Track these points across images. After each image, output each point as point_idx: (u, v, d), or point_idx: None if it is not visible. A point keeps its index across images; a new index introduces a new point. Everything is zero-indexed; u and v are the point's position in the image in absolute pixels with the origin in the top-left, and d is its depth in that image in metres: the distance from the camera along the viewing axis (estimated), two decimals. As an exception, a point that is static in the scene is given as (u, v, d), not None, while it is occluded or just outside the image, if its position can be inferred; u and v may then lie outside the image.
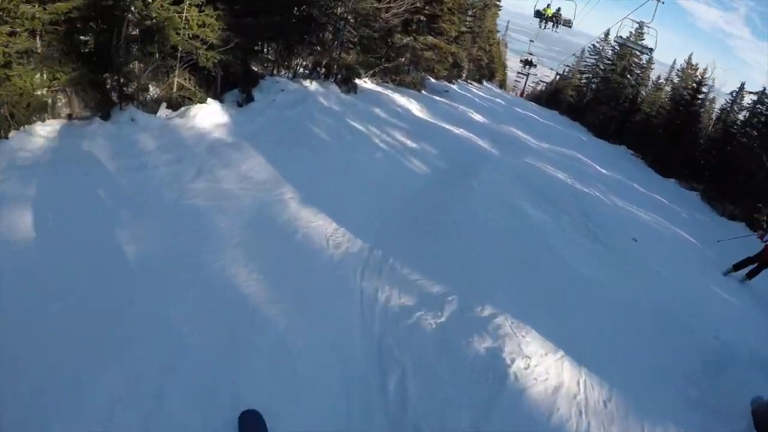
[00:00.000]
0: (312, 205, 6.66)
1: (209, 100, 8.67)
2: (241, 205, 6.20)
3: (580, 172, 15.73)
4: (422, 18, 18.91)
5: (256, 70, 11.10)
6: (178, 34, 7.75)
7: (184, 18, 7.71)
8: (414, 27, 18.96)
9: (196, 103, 8.43)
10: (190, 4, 7.69)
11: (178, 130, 7.68)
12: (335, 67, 13.42)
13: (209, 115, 8.29)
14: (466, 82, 35.80)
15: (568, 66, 55.61)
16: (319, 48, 12.92)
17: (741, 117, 27.28)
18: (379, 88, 16.18)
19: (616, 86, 38.61)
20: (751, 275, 9.85)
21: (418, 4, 17.37)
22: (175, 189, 6.17)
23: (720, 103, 29.87)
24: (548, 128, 27.93)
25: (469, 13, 29.43)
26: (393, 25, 16.97)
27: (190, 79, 8.60)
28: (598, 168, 18.62)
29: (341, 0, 12.98)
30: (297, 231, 6.03)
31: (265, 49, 11.65)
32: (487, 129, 18.34)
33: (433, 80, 24.25)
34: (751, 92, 26.53)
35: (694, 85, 29.39)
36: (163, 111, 8.04)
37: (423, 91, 20.85)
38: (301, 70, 12.97)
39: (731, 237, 12.16)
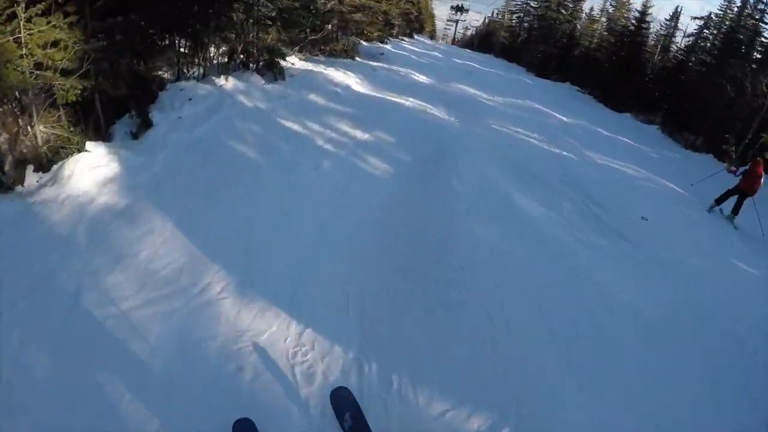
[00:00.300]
0: (255, 296, 4.39)
1: (90, 143, 6.08)
2: (145, 347, 3.71)
3: (546, 128, 14.12)
4: None
5: (159, 74, 8.65)
6: (17, 69, 5.12)
7: (23, 41, 5.14)
8: None
9: (72, 154, 5.85)
10: (27, 18, 5.07)
11: (44, 214, 5.04)
12: (254, 51, 10.91)
13: (90, 170, 5.72)
14: (398, 39, 33.21)
15: (497, 8, 53.77)
16: (232, 33, 10.36)
17: (683, 44, 26.73)
18: (309, 65, 13.69)
19: (552, 23, 37.06)
20: (735, 211, 9.93)
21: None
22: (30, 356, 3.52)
23: (656, 29, 28.45)
24: (493, 76, 26.09)
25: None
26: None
27: (59, 119, 6.05)
28: (559, 116, 17.08)
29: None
30: (244, 364, 3.70)
31: (168, 43, 9.02)
32: (436, 92, 16.11)
33: (365, 43, 21.69)
34: (696, 17, 25.85)
35: (638, 14, 27.90)
36: (32, 177, 5.48)
37: (357, 58, 18.43)
38: (217, 62, 10.44)
39: (704, 178, 11.63)
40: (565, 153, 11.62)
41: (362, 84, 13.91)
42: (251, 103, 9.07)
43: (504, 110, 15.49)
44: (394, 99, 13.03)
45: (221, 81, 9.17)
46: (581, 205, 8.46)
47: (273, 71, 11.07)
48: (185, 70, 9.19)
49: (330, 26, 17.19)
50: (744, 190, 9.80)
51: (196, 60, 9.44)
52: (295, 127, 8.69)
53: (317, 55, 16.35)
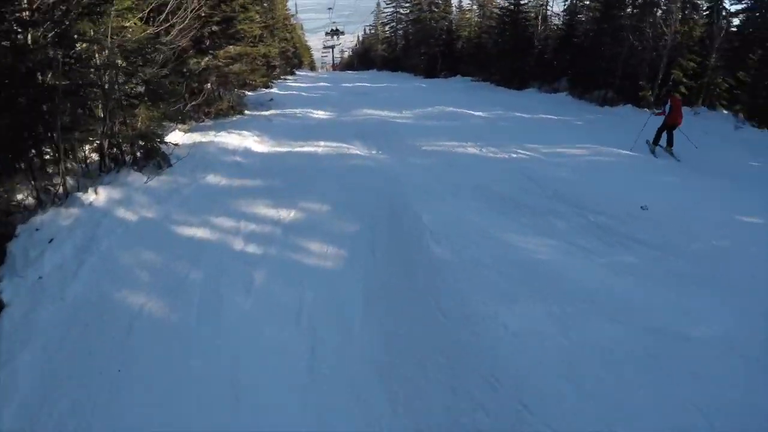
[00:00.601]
0: None
1: None
2: None
3: (475, 131, 12.70)
4: (214, 28, 14.35)
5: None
6: None
7: None
8: (208, 43, 14.41)
9: None
10: None
11: None
12: (124, 144, 8.54)
13: None
14: (282, 79, 31.21)
15: (368, 24, 53.04)
16: (93, 128, 7.96)
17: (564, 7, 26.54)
18: (197, 137, 11.40)
19: (428, 23, 36.46)
20: (670, 143, 11.19)
21: (203, 12, 12.72)
22: None
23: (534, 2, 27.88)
24: (387, 91, 24.64)
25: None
26: (182, 49, 12.32)
27: None
28: (476, 113, 15.84)
29: (97, 43, 7.93)
30: None
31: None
32: (343, 126, 14.30)
33: (251, 94, 19.51)
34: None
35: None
36: None
37: (247, 112, 16.30)
38: (82, 168, 8.01)
39: (638, 135, 11.65)
40: (513, 155, 10.05)
41: (262, 141, 11.83)
42: (135, 215, 6.74)
43: (421, 125, 13.86)
44: (303, 149, 11.04)
45: (90, 196, 6.75)
46: (574, 218, 6.90)
47: (155, 160, 8.77)
48: (40, 196, 6.79)
49: (209, 85, 15.00)
50: (672, 124, 11.02)
51: (44, 184, 6.99)
52: (201, 233, 6.46)
53: (203, 121, 14.12)
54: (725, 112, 15.91)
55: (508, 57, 25.46)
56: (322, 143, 11.52)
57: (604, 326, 4.41)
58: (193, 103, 12.94)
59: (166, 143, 8.97)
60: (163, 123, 10.01)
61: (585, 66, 20.36)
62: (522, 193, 7.74)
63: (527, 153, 10.24)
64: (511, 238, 6.14)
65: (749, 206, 7.36)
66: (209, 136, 11.52)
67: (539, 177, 8.43)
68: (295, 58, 41.55)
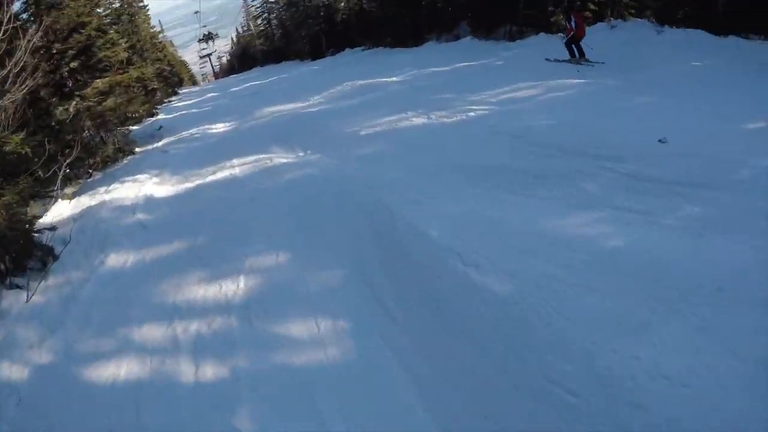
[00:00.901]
0: None
1: None
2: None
3: (405, 99, 10.44)
4: (73, 64, 11.59)
5: None
6: None
7: None
8: (71, 84, 11.72)
9: None
10: None
11: None
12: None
13: None
14: (167, 103, 27.94)
15: (240, 24, 49.85)
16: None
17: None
18: (86, 200, 8.75)
19: (305, 3, 33.90)
20: (582, 54, 11.49)
21: (56, 48, 10.08)
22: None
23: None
24: (280, 83, 22.80)
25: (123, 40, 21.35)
26: (38, 99, 9.66)
27: None
28: (390, 79, 13.74)
29: None
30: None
31: None
32: (251, 133, 11.87)
33: (137, 128, 16.62)
34: None
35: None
36: None
37: (137, 149, 13.64)
38: None
39: (557, 58, 11.97)
40: (470, 113, 8.12)
41: (164, 181, 9.31)
42: (22, 371, 4.22)
43: (340, 107, 11.62)
44: (216, 176, 8.59)
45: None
46: (598, 173, 5.29)
47: (35, 258, 6.22)
48: None
49: (87, 131, 12.28)
50: (579, 37, 11.38)
51: None
52: (124, 369, 4.03)
53: (91, 176, 11.47)
54: (638, 20, 14.80)
55: (400, 16, 23.38)
56: (236, 162, 9.14)
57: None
58: (68, 161, 10.28)
59: (40, 231, 6.48)
60: (32, 206, 7.40)
61: (483, 4, 18.69)
62: (519, 158, 5.90)
63: (480, 107, 8.39)
64: (551, 225, 4.33)
65: (749, 110, 6.23)
66: (99, 195, 8.90)
67: (520, 132, 6.64)
68: (174, 77, 37.87)
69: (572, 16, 11.41)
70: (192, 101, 26.49)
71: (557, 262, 3.75)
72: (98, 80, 12.56)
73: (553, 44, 13.22)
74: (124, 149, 13.28)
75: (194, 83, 53.77)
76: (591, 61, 11.27)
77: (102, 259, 5.93)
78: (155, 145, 13.83)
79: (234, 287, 4.70)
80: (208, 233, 5.95)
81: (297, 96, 15.24)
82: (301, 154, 8.76)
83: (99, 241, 6.49)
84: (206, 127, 14.74)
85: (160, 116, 20.50)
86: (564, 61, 11.61)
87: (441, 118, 8.21)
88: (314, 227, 5.36)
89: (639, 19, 14.78)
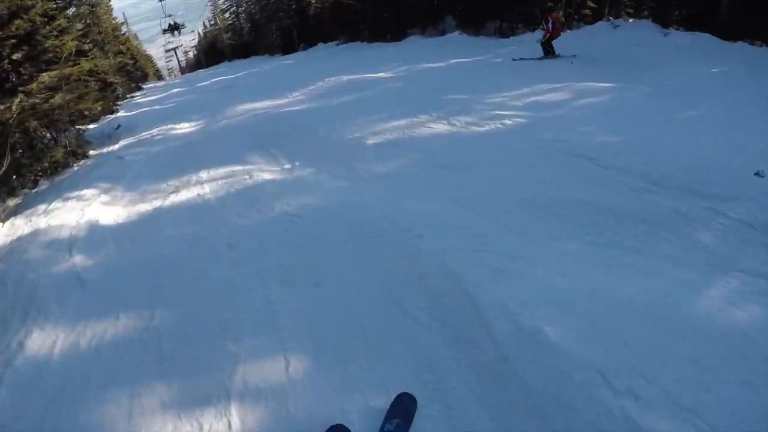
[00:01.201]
0: None
1: None
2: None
3: (411, 100, 8.60)
4: (15, 56, 9.47)
5: None
6: None
7: None
8: (14, 77, 9.59)
9: None
10: None
11: None
12: None
13: None
14: (129, 98, 25.33)
15: (207, 18, 47.11)
16: None
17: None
18: (20, 224, 6.65)
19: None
20: (553, 51, 11.70)
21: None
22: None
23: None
24: (255, 75, 20.69)
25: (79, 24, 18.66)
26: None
27: None
28: (382, 76, 12.04)
29: None
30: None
31: None
32: (226, 135, 9.69)
33: (93, 126, 14.31)
34: None
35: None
36: None
37: (92, 152, 11.42)
38: None
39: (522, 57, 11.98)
40: (507, 121, 6.37)
41: (114, 200, 7.16)
42: None
43: (329, 107, 9.70)
44: (180, 197, 6.47)
45: None
46: (706, 218, 3.85)
47: None
48: None
49: (33, 132, 10.11)
50: (555, 37, 11.63)
51: None
52: None
53: (37, 186, 9.28)
54: (641, 20, 14.06)
55: (380, 8, 21.51)
56: (204, 176, 7.10)
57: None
58: (1, 170, 8.14)
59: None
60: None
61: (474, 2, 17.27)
62: (606, 191, 4.28)
63: (510, 113, 6.74)
64: (699, 310, 2.80)
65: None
66: (37, 217, 6.74)
67: (589, 151, 5.02)
68: (138, 71, 34.98)
69: (549, 18, 11.65)
70: (156, 97, 23.88)
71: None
72: (45, 73, 10.37)
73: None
74: (77, 152, 11.11)
75: (159, 78, 50.52)
76: (561, 55, 11.52)
77: (21, 339, 3.86)
78: (111, 148, 11.61)
79: (221, 426, 2.70)
80: (172, 306, 3.84)
81: (273, 92, 13.21)
82: (287, 166, 6.82)
83: (22, 303, 4.36)
84: (170, 127, 12.52)
85: (120, 114, 18.18)
86: (532, 59, 11.64)
87: (468, 125, 6.39)
88: (338, 308, 3.39)
89: (640, 19, 14.00)
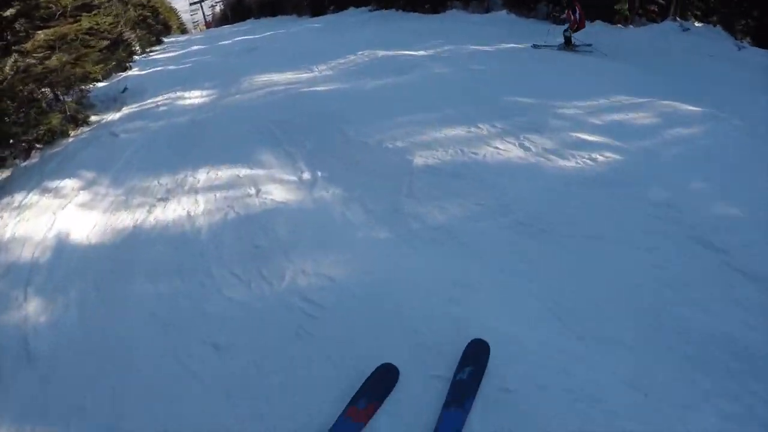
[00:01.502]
0: None
1: None
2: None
3: (465, 99, 6.82)
4: (9, 12, 8.12)
5: None
6: None
7: None
8: (9, 35, 8.28)
9: None
10: None
11: None
12: None
13: None
14: (147, 53, 23.56)
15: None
16: None
17: None
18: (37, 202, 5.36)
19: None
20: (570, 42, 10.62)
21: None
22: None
23: None
24: (280, 39, 18.92)
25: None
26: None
27: None
28: (421, 53, 10.56)
29: None
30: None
31: None
32: (237, 116, 7.93)
33: (98, 85, 12.66)
34: None
35: None
36: None
37: (93, 118, 10.04)
38: None
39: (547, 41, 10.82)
40: (599, 158, 4.53)
41: (93, 201, 5.57)
42: None
43: (362, 91, 7.94)
44: (166, 217, 4.83)
45: None
46: None
47: None
48: None
49: (26, 93, 8.60)
50: (580, 28, 10.60)
51: None
52: None
53: (28, 159, 8.03)
54: (711, 26, 11.87)
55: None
56: (202, 179, 5.52)
57: None
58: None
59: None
60: None
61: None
62: (736, 311, 2.68)
63: (596, 140, 4.91)
64: None
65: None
66: (9, 214, 5.31)
67: (701, 228, 3.37)
68: (159, 25, 33.03)
69: (575, 7, 10.54)
70: (173, 54, 22.07)
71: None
72: (41, 31, 8.89)
73: (612, 35, 11.59)
74: (77, 117, 9.70)
75: (183, 32, 48.56)
76: (579, 46, 10.66)
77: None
78: (112, 117, 10.08)
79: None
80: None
81: (297, 61, 11.57)
82: (307, 176, 5.19)
83: None
84: (179, 95, 10.90)
85: (133, 72, 16.57)
86: (552, 47, 10.72)
87: (548, 154, 4.62)
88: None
89: (710, 25, 11.83)
